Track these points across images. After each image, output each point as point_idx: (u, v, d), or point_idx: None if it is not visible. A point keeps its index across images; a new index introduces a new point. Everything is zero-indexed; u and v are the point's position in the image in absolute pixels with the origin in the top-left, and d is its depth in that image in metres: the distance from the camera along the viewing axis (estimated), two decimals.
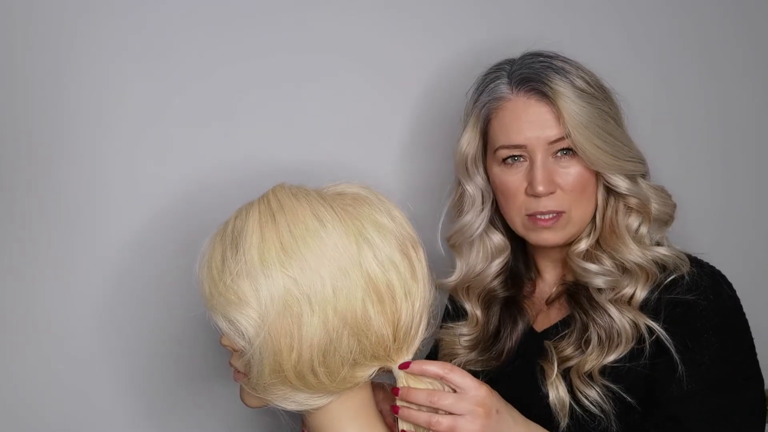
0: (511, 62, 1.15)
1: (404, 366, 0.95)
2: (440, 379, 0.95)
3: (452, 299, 1.29)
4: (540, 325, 1.18)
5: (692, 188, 1.54)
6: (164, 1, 1.29)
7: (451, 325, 1.24)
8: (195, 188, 1.32)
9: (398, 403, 0.97)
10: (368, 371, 0.95)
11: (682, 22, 1.52)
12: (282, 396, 0.94)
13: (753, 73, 1.56)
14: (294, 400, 0.94)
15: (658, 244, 1.15)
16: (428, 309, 0.98)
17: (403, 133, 1.42)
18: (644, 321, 1.06)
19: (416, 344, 0.97)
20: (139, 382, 1.34)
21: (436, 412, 0.94)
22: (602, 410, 1.05)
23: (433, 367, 0.95)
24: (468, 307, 1.23)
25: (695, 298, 1.05)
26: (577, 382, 1.07)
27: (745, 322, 1.09)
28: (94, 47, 1.27)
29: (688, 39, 1.52)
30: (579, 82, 1.11)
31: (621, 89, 1.44)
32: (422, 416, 0.94)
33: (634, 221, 1.13)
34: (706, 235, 1.53)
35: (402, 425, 0.96)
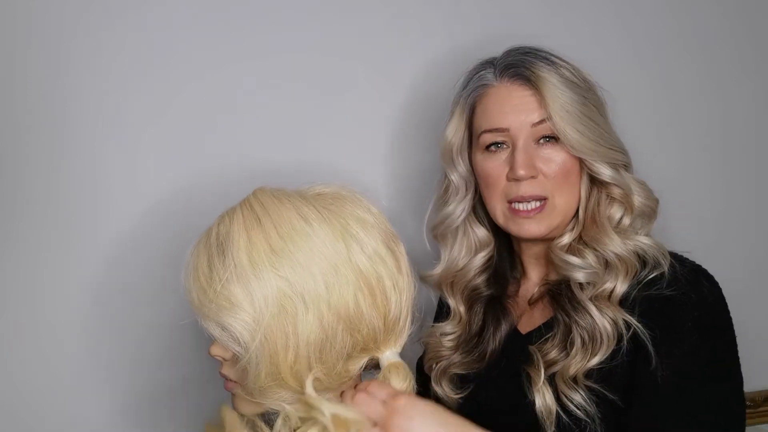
0: (496, 57, 1.17)
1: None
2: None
3: (440, 303, 1.29)
4: (524, 327, 1.17)
5: (692, 188, 1.54)
6: (164, 2, 1.30)
7: (433, 325, 1.24)
8: (196, 189, 1.32)
9: None
10: (359, 364, 0.95)
11: (682, 22, 1.52)
12: (279, 398, 0.93)
13: (753, 73, 1.56)
14: (290, 402, 0.93)
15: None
16: (412, 302, 0.99)
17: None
18: (622, 316, 1.05)
19: (405, 336, 0.98)
20: (139, 384, 1.34)
21: None
22: (587, 414, 1.04)
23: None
24: (452, 303, 1.22)
25: (674, 293, 1.04)
26: (562, 386, 1.06)
27: (727, 319, 1.07)
28: (94, 47, 1.27)
29: (688, 39, 1.52)
30: (562, 71, 1.12)
31: (620, 89, 1.44)
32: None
33: (616, 212, 1.12)
34: (706, 235, 1.53)
35: None
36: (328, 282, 0.90)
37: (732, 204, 1.56)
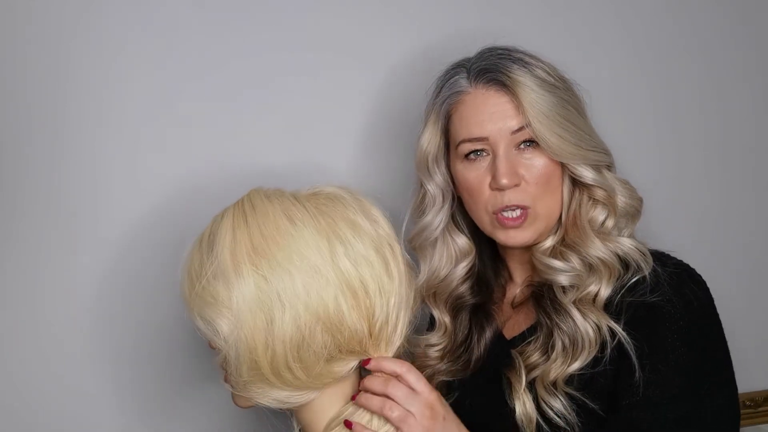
0: (468, 59, 1.14)
1: (365, 363, 0.98)
2: (397, 377, 0.98)
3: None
4: (509, 332, 1.16)
5: (692, 187, 1.54)
6: (164, 2, 1.30)
7: (418, 336, 1.21)
8: (197, 189, 1.32)
9: (361, 387, 0.99)
10: (346, 366, 0.97)
11: (682, 22, 1.52)
12: (262, 393, 0.96)
13: (753, 74, 1.56)
14: (274, 398, 0.96)
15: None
16: (407, 308, 0.99)
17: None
18: (607, 322, 1.03)
19: (396, 341, 0.99)
20: (140, 383, 1.34)
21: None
22: (567, 422, 1.03)
23: (391, 364, 0.97)
24: (436, 313, 1.20)
25: (657, 299, 1.01)
26: (542, 392, 1.04)
27: (714, 323, 1.04)
28: (94, 47, 1.27)
29: (688, 39, 1.52)
30: (538, 72, 1.09)
31: (619, 88, 1.44)
32: (376, 402, 0.96)
33: (599, 214, 1.10)
34: (706, 234, 1.53)
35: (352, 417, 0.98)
36: (307, 282, 0.92)
37: (731, 203, 1.56)
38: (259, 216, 0.95)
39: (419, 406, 0.96)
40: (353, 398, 0.99)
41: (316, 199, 0.98)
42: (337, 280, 0.93)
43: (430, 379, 1.17)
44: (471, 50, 1.16)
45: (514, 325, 1.16)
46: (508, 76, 1.07)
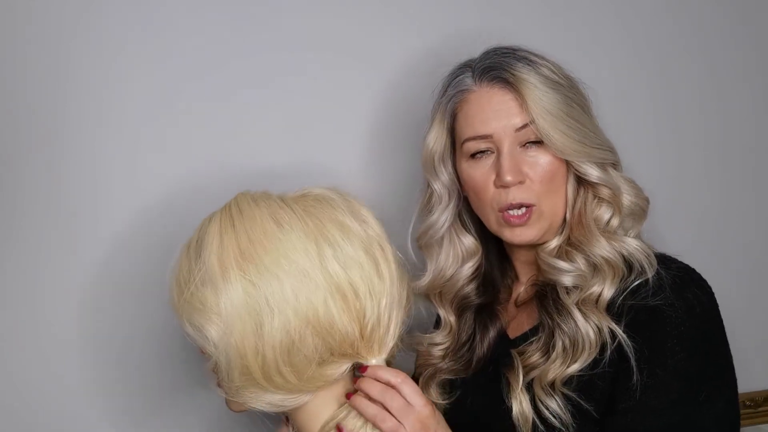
0: (474, 59, 1.14)
1: (362, 370, 0.98)
2: (392, 387, 0.97)
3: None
4: (513, 332, 1.16)
5: (692, 187, 1.54)
6: (164, 2, 1.30)
7: (421, 334, 1.21)
8: (197, 189, 1.32)
9: (357, 388, 0.99)
10: (338, 369, 0.96)
11: (682, 22, 1.52)
12: (254, 398, 0.95)
13: (753, 73, 1.56)
14: (268, 401, 0.95)
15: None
16: (400, 308, 0.99)
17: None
18: (608, 324, 1.02)
19: (389, 342, 0.98)
20: (140, 384, 1.34)
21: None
22: (562, 422, 1.02)
23: (387, 374, 0.97)
24: (442, 313, 1.20)
25: (659, 303, 1.00)
26: (539, 392, 1.04)
27: (717, 327, 1.04)
28: (94, 47, 1.27)
29: (688, 39, 1.52)
30: (543, 70, 1.09)
31: (620, 88, 1.44)
32: (371, 408, 0.96)
33: (605, 213, 1.09)
34: (706, 234, 1.53)
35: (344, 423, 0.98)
36: (295, 286, 0.91)
37: (731, 203, 1.56)
38: (246, 220, 0.94)
39: (412, 421, 0.96)
40: (348, 396, 0.99)
41: (303, 201, 0.98)
42: (326, 283, 0.92)
43: (432, 377, 1.18)
44: (471, 50, 1.17)
45: (518, 324, 1.16)
46: (512, 74, 1.08)
